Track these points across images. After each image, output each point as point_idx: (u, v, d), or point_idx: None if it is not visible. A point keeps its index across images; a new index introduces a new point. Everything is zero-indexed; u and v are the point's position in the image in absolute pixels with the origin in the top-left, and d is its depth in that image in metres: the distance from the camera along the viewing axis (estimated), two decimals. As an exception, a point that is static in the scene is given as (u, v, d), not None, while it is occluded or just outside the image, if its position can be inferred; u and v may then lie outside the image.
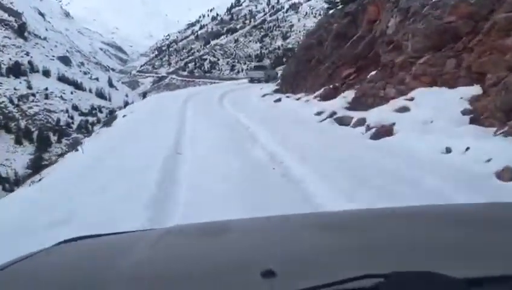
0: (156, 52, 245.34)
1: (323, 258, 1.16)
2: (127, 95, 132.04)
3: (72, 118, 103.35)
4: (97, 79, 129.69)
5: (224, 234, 1.56)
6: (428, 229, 1.42)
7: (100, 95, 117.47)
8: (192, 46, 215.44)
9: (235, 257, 1.22)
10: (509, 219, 1.40)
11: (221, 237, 1.51)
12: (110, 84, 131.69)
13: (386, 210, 1.91)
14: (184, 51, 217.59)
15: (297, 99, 16.21)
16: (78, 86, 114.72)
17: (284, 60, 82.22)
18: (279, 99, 17.45)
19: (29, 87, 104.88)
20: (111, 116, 27.94)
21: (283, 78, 19.85)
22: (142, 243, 1.49)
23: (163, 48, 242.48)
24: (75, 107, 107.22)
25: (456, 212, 1.66)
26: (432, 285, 0.81)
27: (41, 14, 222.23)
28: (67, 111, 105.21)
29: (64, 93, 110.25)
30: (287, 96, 17.88)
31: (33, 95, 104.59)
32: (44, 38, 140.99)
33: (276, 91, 19.50)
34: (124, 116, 21.12)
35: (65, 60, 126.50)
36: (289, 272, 1.01)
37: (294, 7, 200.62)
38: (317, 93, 14.25)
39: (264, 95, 19.73)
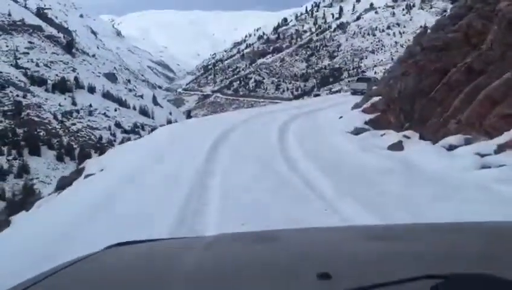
0: (202, 71, 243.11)
1: (379, 262, 1.16)
2: (170, 113, 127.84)
3: (114, 135, 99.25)
4: (141, 96, 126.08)
5: (274, 242, 1.54)
6: (477, 241, 1.42)
7: (143, 112, 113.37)
8: (238, 65, 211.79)
9: (288, 262, 1.22)
10: None
11: (272, 244, 1.50)
12: (155, 102, 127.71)
13: (433, 225, 1.91)
14: (229, 69, 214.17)
15: (450, 149, 8.21)
16: (122, 103, 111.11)
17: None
18: (398, 146, 9.65)
19: (74, 103, 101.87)
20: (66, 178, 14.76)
21: (389, 101, 12.34)
22: (193, 249, 1.49)
23: (209, 67, 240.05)
24: (118, 124, 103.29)
25: (503, 228, 1.66)
26: (492, 287, 0.80)
27: (94, 33, 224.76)
28: (109, 128, 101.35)
29: (108, 110, 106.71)
30: (406, 137, 10.05)
31: (77, 111, 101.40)
32: (93, 56, 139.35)
33: (372, 122, 12.22)
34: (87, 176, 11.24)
35: (111, 77, 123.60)
36: (345, 274, 1.01)
37: (342, 26, 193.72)
38: (506, 138, 6.87)
39: (357, 133, 11.99)
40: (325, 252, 1.33)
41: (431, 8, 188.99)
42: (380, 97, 13.61)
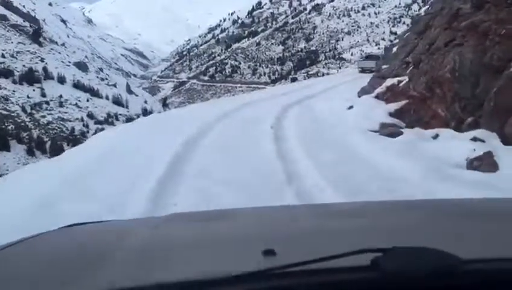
0: (177, 57, 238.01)
1: (325, 238, 1.17)
2: (146, 102, 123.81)
3: (87, 126, 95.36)
4: (115, 85, 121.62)
5: (225, 221, 1.53)
6: (427, 219, 1.44)
7: (117, 102, 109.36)
8: (213, 51, 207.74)
9: (236, 240, 1.24)
10: (503, 213, 1.45)
11: (223, 223, 1.50)
12: (129, 91, 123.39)
13: (386, 203, 1.92)
14: (205, 55, 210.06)
15: None
16: (94, 93, 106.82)
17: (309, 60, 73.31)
18: (488, 161, 6.19)
19: (43, 94, 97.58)
20: None
21: (433, 83, 8.66)
22: (145, 228, 1.49)
23: (184, 53, 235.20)
24: (91, 115, 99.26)
25: (453, 205, 1.68)
26: (428, 259, 0.82)
27: (63, 21, 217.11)
28: (82, 119, 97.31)
29: (79, 100, 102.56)
30: (478, 140, 6.79)
31: (47, 103, 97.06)
32: (62, 44, 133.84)
33: (401, 115, 8.83)
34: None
35: (82, 66, 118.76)
36: (290, 251, 1.03)
37: (317, 8, 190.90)
38: None
39: (389, 133, 8.27)
40: (273, 231, 1.34)
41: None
42: (400, 79, 11.00)
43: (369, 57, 35.36)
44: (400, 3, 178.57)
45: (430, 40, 11.58)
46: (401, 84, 10.97)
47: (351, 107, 11.54)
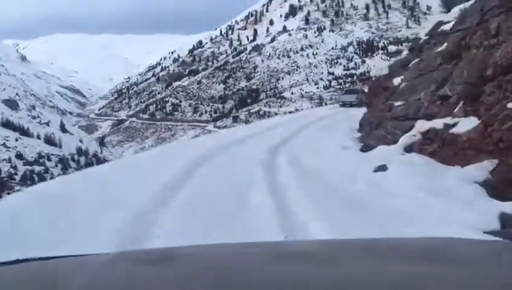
0: (116, 95, 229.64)
1: (274, 283, 1.09)
2: (81, 141, 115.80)
3: (15, 168, 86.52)
4: (47, 124, 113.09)
5: (171, 261, 1.41)
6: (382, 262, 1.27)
7: (49, 141, 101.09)
8: (153, 89, 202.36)
9: (177, 285, 1.15)
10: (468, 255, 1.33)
11: (168, 264, 1.37)
12: (63, 129, 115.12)
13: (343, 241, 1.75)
14: (145, 93, 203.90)
15: None
16: (24, 132, 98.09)
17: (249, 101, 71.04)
18: None
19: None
20: None
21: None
22: (81, 270, 1.34)
23: (123, 91, 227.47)
24: (20, 156, 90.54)
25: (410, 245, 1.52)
26: None
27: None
28: (9, 160, 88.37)
29: (7, 140, 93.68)
30: None
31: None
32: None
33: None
34: None
35: (12, 104, 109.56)
36: None
37: (258, 48, 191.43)
38: None
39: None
40: (220, 273, 1.23)
41: (340, 30, 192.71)
42: (448, 121, 7.34)
43: (349, 91, 35.99)
44: (336, 46, 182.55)
45: (480, 63, 8.00)
46: (460, 130, 7.25)
47: (381, 169, 7.63)
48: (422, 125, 8.76)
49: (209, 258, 1.42)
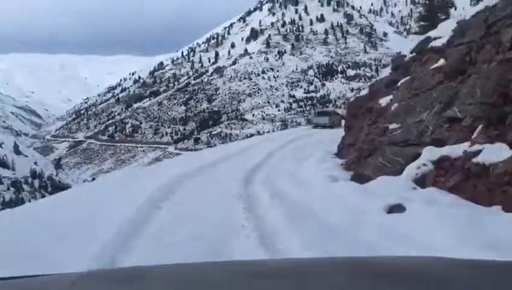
0: (74, 116, 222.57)
1: None
2: (36, 163, 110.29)
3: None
4: (0, 145, 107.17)
5: (141, 281, 1.36)
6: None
7: (2, 163, 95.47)
8: (113, 110, 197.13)
9: None
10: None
11: (139, 284, 1.33)
12: (17, 151, 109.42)
13: (322, 260, 1.75)
14: (104, 114, 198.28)
15: None
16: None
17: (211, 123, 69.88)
18: None
19: None
20: None
21: None
22: (52, 289, 1.33)
23: (82, 112, 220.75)
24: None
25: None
26: None
27: None
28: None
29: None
30: None
31: None
32: None
33: None
34: None
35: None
36: None
37: (219, 71, 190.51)
38: None
39: None
40: None
41: (301, 54, 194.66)
42: (472, 149, 5.82)
43: (321, 113, 35.14)
44: (296, 69, 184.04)
45: (498, 80, 6.64)
46: (489, 159, 5.77)
47: (396, 209, 5.98)
48: (431, 152, 7.27)
49: (180, 277, 1.36)
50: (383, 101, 11.42)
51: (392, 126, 9.19)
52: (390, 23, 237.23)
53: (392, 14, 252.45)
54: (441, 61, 9.88)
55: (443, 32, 11.81)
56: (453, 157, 6.79)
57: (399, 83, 10.99)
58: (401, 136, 8.62)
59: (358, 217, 5.79)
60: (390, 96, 11.24)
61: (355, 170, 9.24)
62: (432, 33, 12.57)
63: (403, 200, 6.03)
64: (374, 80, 14.84)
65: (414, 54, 12.56)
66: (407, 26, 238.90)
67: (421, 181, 6.84)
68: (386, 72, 14.54)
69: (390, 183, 7.08)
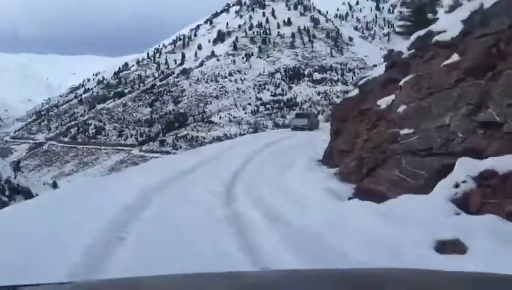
0: (34, 117, 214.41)
1: None
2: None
3: None
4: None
5: None
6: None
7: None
8: (76, 111, 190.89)
9: None
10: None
11: None
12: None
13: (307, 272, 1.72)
14: (66, 115, 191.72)
15: None
16: None
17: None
18: None
19: None
20: None
21: None
22: None
23: (43, 113, 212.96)
24: None
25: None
26: None
27: None
28: None
29: None
30: None
31: None
32: None
33: None
34: None
35: None
36: None
37: (185, 72, 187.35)
38: None
39: None
40: None
41: (268, 57, 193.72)
42: None
43: (300, 115, 34.95)
44: (264, 72, 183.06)
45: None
46: None
47: (451, 248, 4.36)
48: (468, 165, 5.74)
49: (171, 287, 1.32)
50: (383, 102, 9.92)
51: (404, 131, 7.66)
52: (356, 28, 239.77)
53: (358, 19, 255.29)
54: (455, 57, 8.44)
55: (447, 25, 10.44)
56: (502, 172, 5.27)
57: (401, 82, 9.50)
58: (419, 144, 7.09)
59: (400, 259, 4.15)
60: (392, 97, 9.75)
61: (359, 183, 7.66)
62: (433, 27, 11.18)
63: (455, 232, 4.44)
64: (364, 79, 13.31)
65: (413, 50, 11.13)
66: (372, 32, 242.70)
67: (463, 203, 5.30)
68: (377, 71, 13.11)
69: (420, 205, 5.49)
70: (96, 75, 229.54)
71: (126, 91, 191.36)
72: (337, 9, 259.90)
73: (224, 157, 15.66)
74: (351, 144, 10.61)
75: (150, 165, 18.68)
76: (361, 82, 13.28)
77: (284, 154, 15.12)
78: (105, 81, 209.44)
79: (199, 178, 10.68)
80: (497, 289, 1.23)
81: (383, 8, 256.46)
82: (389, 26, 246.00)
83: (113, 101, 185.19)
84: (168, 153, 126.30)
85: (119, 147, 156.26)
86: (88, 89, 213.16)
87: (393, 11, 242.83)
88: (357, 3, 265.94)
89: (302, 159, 12.87)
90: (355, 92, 13.46)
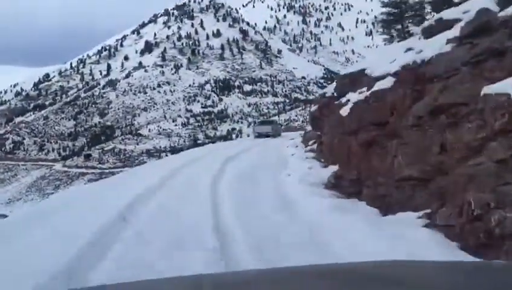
0: None
1: None
2: None
3: None
4: None
5: None
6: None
7: None
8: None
9: None
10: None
11: None
12: None
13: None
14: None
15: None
16: None
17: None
18: None
19: None
20: None
21: None
22: None
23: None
24: None
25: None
26: None
27: None
28: None
29: None
30: None
31: None
32: None
33: None
34: None
35: None
36: None
37: (112, 84, 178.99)
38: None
39: None
40: None
41: (197, 68, 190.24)
42: None
43: (264, 122, 35.33)
44: (193, 83, 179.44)
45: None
46: None
47: None
48: None
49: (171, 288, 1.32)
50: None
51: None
52: (284, 41, 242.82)
53: (286, 32, 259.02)
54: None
55: (461, 11, 7.73)
56: None
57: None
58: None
59: None
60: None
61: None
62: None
63: None
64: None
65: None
66: (300, 45, 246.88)
67: None
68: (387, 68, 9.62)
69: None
70: (14, 86, 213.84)
71: (47, 103, 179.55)
72: (266, 22, 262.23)
73: (185, 171, 11.92)
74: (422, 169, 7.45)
75: (81, 193, 14.13)
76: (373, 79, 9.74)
77: (265, 168, 11.78)
78: (24, 93, 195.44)
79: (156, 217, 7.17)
80: (493, 277, 1.22)
81: (309, 21, 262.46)
82: (315, 40, 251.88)
83: (33, 113, 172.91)
84: (94, 167, 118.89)
85: (39, 163, 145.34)
86: (5, 101, 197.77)
87: (319, 25, 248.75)
88: (285, 16, 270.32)
89: (300, 185, 9.70)
90: (363, 94, 10.07)
